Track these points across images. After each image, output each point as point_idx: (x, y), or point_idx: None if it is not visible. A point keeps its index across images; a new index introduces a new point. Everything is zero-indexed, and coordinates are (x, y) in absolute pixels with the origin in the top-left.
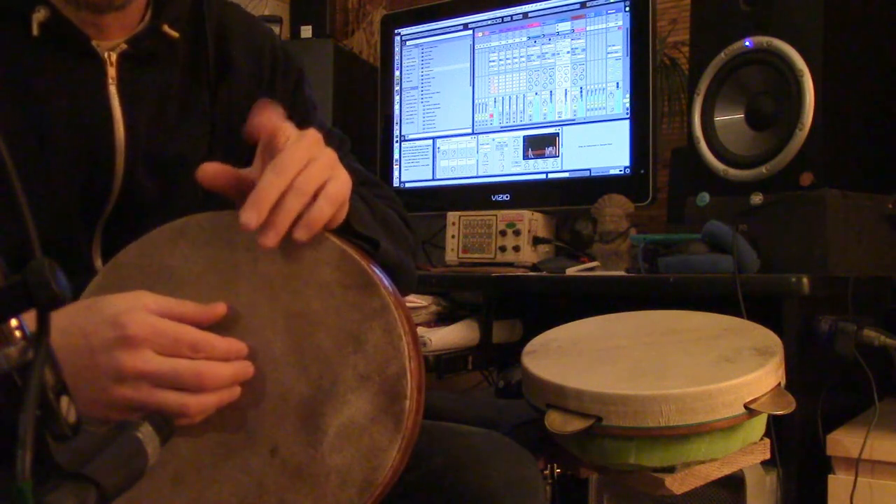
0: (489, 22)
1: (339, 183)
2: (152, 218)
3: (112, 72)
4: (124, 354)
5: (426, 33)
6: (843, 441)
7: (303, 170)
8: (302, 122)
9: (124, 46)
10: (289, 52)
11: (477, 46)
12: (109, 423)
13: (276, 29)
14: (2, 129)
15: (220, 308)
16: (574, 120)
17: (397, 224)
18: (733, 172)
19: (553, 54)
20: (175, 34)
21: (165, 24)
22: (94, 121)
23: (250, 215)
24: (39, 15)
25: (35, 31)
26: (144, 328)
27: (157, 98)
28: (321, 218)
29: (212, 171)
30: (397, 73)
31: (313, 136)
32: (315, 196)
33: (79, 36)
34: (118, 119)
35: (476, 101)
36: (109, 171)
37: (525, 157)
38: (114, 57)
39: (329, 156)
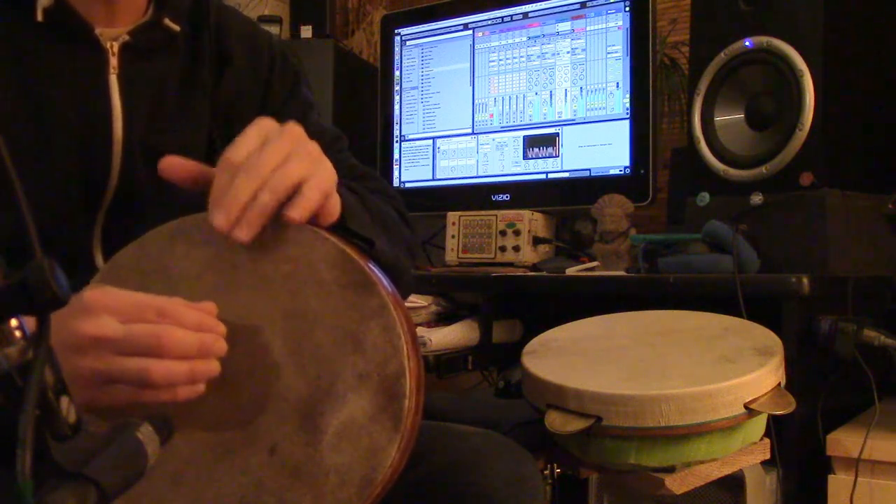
0: (489, 22)
1: (323, 177)
2: (151, 212)
3: (114, 62)
4: (80, 321)
5: (426, 33)
6: (843, 441)
7: (279, 167)
8: (298, 121)
9: (126, 37)
10: (286, 53)
11: (477, 46)
12: (86, 406)
13: (276, 29)
14: (2, 113)
15: (209, 307)
16: (574, 120)
17: (394, 222)
18: (733, 172)
19: (553, 54)
20: (176, 27)
21: (167, 17)
22: (94, 109)
23: (217, 216)
24: (44, 1)
25: (39, 18)
26: (103, 296)
27: (157, 90)
28: (310, 203)
29: (172, 164)
30: (397, 73)
31: (292, 130)
32: (297, 190)
33: (82, 24)
34: (117, 109)
35: (476, 101)
36: (107, 161)
37: (525, 157)
38: (116, 47)
39: (310, 149)
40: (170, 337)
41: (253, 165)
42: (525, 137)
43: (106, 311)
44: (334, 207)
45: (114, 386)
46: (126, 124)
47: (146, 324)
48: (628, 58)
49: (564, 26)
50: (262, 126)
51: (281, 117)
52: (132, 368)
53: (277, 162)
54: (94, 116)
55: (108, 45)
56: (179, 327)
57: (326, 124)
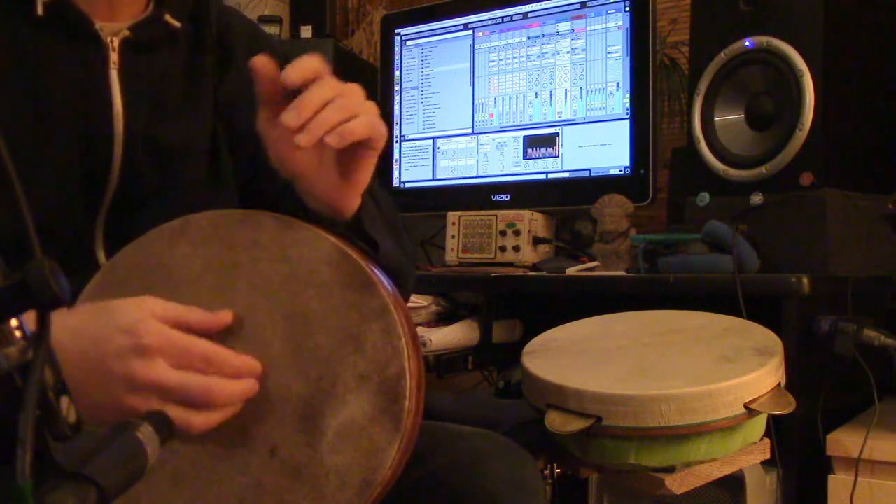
0: (489, 22)
1: (380, 123)
2: (154, 207)
3: (114, 57)
4: (139, 363)
5: (426, 33)
6: (843, 441)
7: (350, 94)
8: None
9: (127, 33)
10: (288, 55)
11: (477, 46)
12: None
13: (276, 29)
14: (2, 109)
15: (226, 316)
16: (574, 120)
17: (401, 228)
18: (733, 172)
19: (553, 54)
20: (177, 23)
21: (168, 13)
22: (94, 105)
23: (290, 115)
24: None
25: (39, 11)
26: (160, 338)
27: (158, 86)
28: (356, 131)
29: (262, 62)
30: (397, 73)
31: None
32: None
33: (82, 18)
34: (118, 104)
35: (476, 101)
36: (108, 157)
37: (525, 157)
38: (116, 42)
39: (374, 106)
40: (220, 392)
41: (326, 84)
42: (525, 137)
43: (160, 354)
44: (367, 172)
45: None
46: (127, 120)
47: (198, 375)
48: (628, 58)
49: (564, 26)
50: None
51: None
52: (177, 418)
53: (344, 90)
54: (95, 112)
55: (109, 40)
56: (223, 377)
57: None
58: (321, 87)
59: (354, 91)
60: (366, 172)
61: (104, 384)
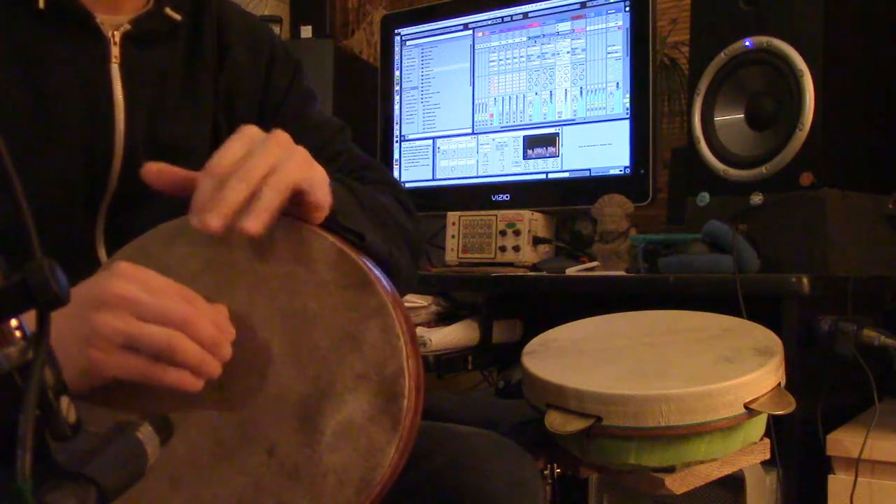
0: (489, 22)
1: (290, 168)
2: (155, 204)
3: (115, 51)
4: (107, 281)
5: (426, 33)
6: (843, 441)
7: (271, 174)
8: (300, 111)
9: (128, 27)
10: (286, 46)
11: (477, 46)
12: (95, 372)
13: (276, 29)
14: (3, 103)
15: (221, 308)
16: (574, 120)
17: (391, 214)
18: (733, 172)
19: (553, 54)
20: (177, 17)
21: (168, 6)
22: (96, 99)
23: (210, 218)
24: None
25: (41, 5)
26: (135, 269)
27: (159, 81)
28: (266, 206)
29: (155, 170)
30: (397, 73)
31: (279, 137)
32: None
33: (83, 12)
34: (119, 99)
35: (476, 101)
36: (109, 152)
37: (525, 157)
38: (117, 36)
39: (300, 156)
40: (198, 320)
41: (243, 170)
42: (525, 137)
43: (137, 281)
44: (322, 205)
45: (128, 353)
46: (128, 114)
47: (161, 327)
48: (628, 58)
49: (564, 26)
50: (247, 134)
51: (282, 108)
52: (158, 336)
53: (267, 169)
54: (96, 106)
55: (110, 34)
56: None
57: (329, 115)
58: (209, 171)
59: (243, 141)
60: (318, 213)
61: (73, 309)
